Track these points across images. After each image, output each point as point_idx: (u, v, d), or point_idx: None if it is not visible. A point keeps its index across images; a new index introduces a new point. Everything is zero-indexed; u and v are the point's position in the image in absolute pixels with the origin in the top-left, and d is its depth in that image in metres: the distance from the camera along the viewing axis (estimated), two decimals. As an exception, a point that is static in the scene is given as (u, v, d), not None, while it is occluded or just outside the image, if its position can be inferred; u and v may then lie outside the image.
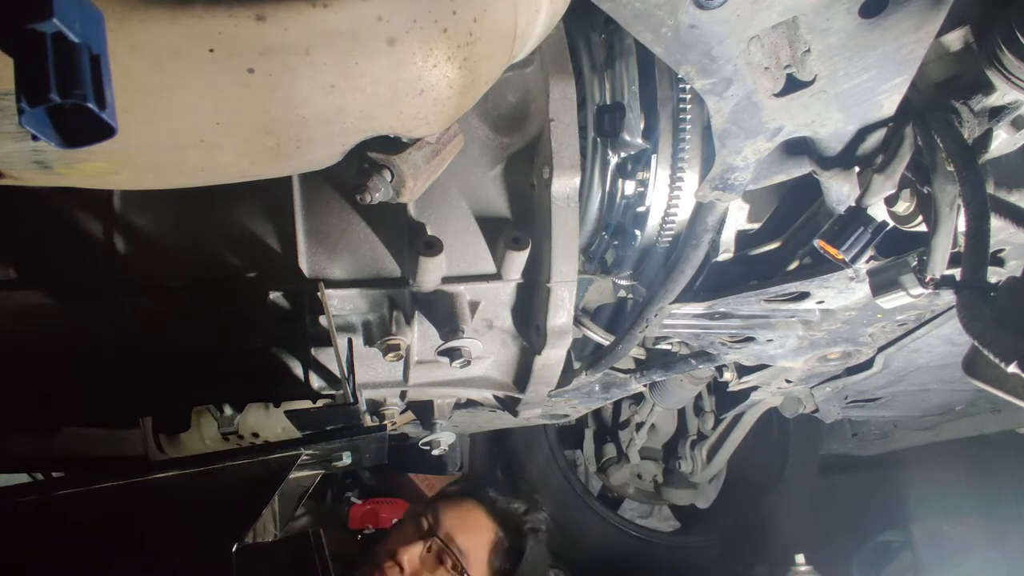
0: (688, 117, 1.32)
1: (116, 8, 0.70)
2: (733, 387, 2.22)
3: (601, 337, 1.79)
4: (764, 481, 3.72)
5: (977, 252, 0.97)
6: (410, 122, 0.92)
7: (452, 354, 1.39)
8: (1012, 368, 0.84)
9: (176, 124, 0.80)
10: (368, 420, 1.51)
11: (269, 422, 1.75)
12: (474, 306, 1.41)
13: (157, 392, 1.33)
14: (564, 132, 1.26)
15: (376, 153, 1.00)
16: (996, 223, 1.03)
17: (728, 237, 1.53)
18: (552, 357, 1.45)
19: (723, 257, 1.55)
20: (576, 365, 1.84)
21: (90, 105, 0.56)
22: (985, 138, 1.10)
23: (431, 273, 1.30)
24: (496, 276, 1.39)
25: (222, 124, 0.81)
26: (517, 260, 1.35)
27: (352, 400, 1.29)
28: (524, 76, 1.35)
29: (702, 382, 2.54)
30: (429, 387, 1.63)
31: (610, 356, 1.74)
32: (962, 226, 1.03)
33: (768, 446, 3.76)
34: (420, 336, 1.44)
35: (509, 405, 1.74)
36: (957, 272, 1.00)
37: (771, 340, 1.83)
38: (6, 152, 0.78)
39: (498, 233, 1.38)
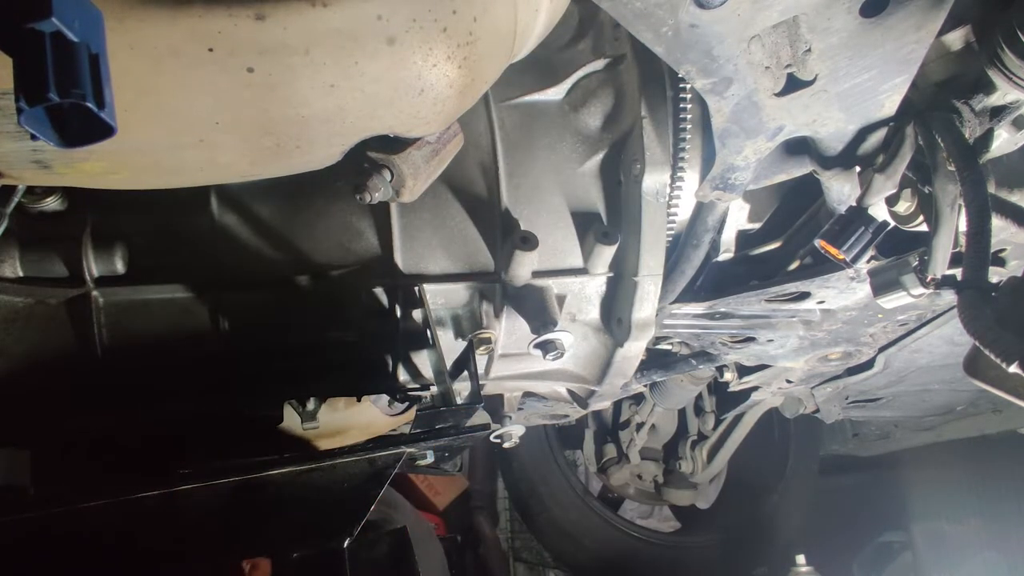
0: (688, 117, 1.32)
1: (115, 7, 0.70)
2: (734, 387, 2.21)
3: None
4: (765, 482, 3.72)
5: (978, 252, 0.97)
6: (410, 122, 0.92)
7: (547, 347, 1.41)
8: (1013, 368, 0.84)
9: (175, 124, 0.80)
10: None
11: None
12: (560, 300, 1.43)
13: (252, 386, 1.35)
14: (656, 129, 1.30)
15: (376, 152, 1.00)
16: (997, 223, 1.03)
17: (729, 237, 1.53)
18: (633, 350, 1.47)
19: (724, 257, 1.55)
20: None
21: (89, 104, 0.55)
22: (986, 138, 1.10)
23: (524, 267, 1.33)
24: (583, 270, 1.42)
25: (221, 124, 0.81)
26: (605, 254, 1.38)
27: (479, 400, 1.31)
28: (616, 73, 1.38)
29: (702, 382, 2.54)
30: (507, 380, 1.64)
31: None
32: (963, 226, 1.03)
33: (769, 447, 3.75)
34: (506, 330, 1.46)
35: (581, 398, 1.75)
36: (958, 272, 1.00)
37: (772, 340, 1.82)
38: (5, 151, 0.78)
39: (586, 228, 1.40)
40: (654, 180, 1.31)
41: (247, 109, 0.80)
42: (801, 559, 3.04)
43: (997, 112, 1.08)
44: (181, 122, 0.79)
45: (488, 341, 1.41)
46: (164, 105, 0.77)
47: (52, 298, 1.26)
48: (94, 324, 1.26)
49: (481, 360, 1.52)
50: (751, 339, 1.83)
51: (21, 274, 1.24)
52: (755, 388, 2.25)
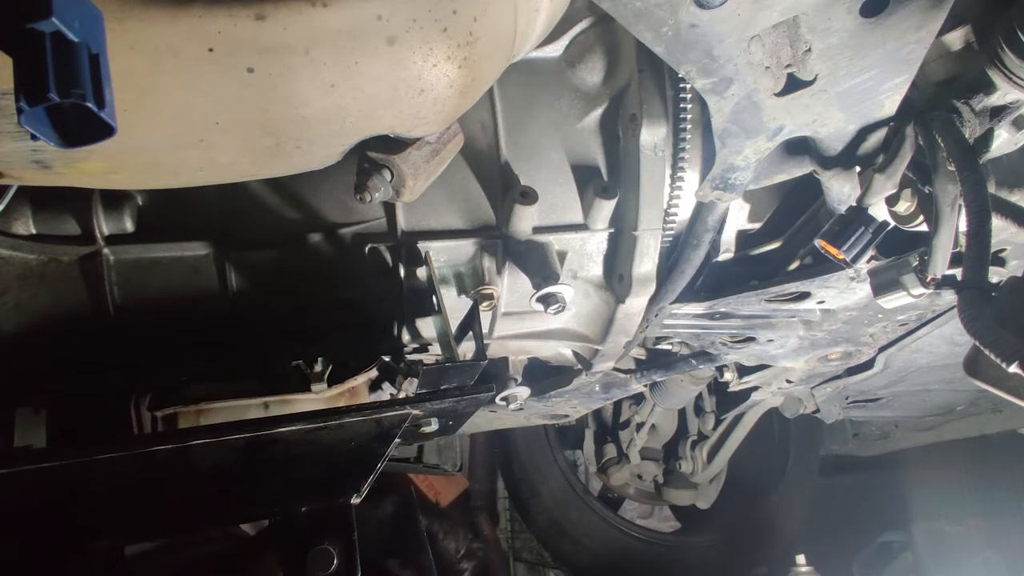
0: (688, 116, 1.32)
1: (115, 7, 0.70)
2: (734, 387, 2.21)
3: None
4: (765, 482, 3.72)
5: (978, 252, 0.97)
6: (410, 122, 0.92)
7: (548, 300, 1.40)
8: (1013, 368, 0.84)
9: (175, 124, 0.80)
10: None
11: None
12: (561, 256, 1.43)
13: (259, 345, 1.37)
14: (652, 82, 1.30)
15: (376, 153, 1.00)
16: (997, 223, 1.03)
17: (729, 237, 1.53)
18: (635, 306, 1.47)
19: (724, 257, 1.55)
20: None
21: (89, 104, 0.55)
22: (986, 138, 1.10)
23: (525, 222, 1.34)
24: (583, 226, 1.43)
25: (222, 124, 0.81)
26: (605, 209, 1.38)
27: (484, 357, 1.31)
28: (612, 28, 1.38)
29: (703, 382, 2.54)
30: (511, 340, 1.64)
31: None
32: (963, 226, 1.03)
33: (769, 447, 3.75)
34: (509, 287, 1.46)
35: (585, 359, 1.76)
36: (958, 272, 1.00)
37: (772, 340, 1.82)
38: (5, 151, 0.78)
39: (585, 183, 1.41)
40: (651, 134, 1.30)
41: (247, 109, 0.80)
42: (801, 559, 3.05)
43: (997, 112, 1.08)
44: (181, 122, 0.79)
45: (491, 297, 1.41)
46: (164, 105, 0.77)
47: (65, 255, 1.29)
48: (106, 282, 1.30)
49: (485, 319, 1.52)
50: (751, 339, 1.83)
51: (34, 231, 1.28)
52: (755, 388, 2.26)
